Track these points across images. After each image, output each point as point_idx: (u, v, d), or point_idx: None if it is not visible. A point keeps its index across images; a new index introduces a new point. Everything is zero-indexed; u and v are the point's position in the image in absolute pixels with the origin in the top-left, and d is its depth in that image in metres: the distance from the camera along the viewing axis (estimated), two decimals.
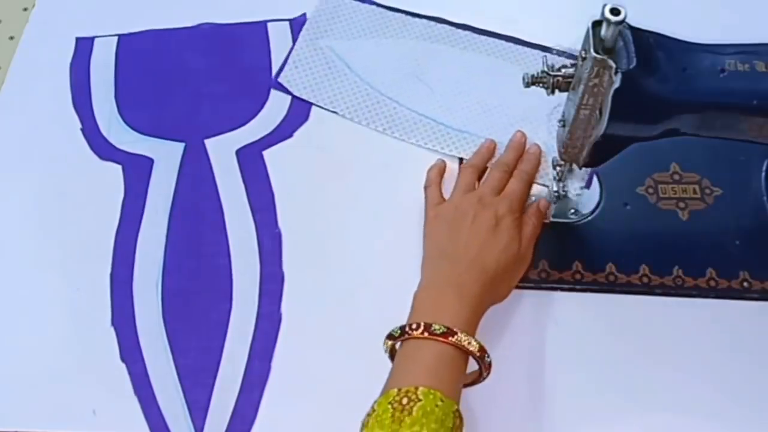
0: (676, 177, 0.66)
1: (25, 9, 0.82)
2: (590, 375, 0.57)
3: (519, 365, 0.57)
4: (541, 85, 0.55)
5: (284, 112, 0.73)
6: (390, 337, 0.53)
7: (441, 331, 0.50)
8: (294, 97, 0.73)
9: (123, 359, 0.59)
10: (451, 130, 0.69)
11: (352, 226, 0.65)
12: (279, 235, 0.65)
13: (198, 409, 0.57)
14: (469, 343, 0.50)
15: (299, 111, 0.72)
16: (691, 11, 0.76)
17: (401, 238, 0.63)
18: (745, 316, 0.59)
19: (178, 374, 0.59)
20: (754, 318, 0.59)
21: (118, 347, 0.60)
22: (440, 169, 0.66)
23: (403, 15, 0.77)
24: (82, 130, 0.72)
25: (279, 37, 0.78)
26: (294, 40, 0.76)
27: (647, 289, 0.60)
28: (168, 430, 0.56)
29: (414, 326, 0.51)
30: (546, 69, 0.54)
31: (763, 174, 0.66)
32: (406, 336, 0.51)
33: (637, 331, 0.58)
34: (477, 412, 0.55)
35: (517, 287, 0.61)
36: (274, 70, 0.75)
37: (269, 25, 0.79)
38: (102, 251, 0.64)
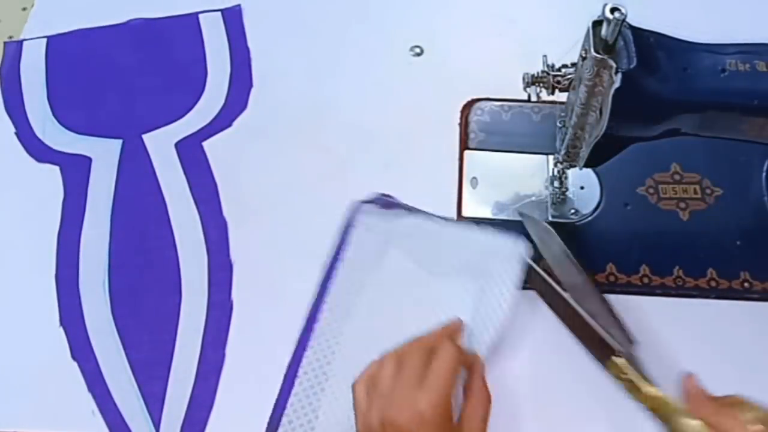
0: (677, 177, 0.65)
1: (24, 9, 0.82)
2: (590, 376, 0.57)
3: (519, 365, 0.57)
4: (541, 85, 0.54)
5: (222, 102, 0.73)
6: None
7: None
8: (237, 88, 0.73)
9: (74, 358, 0.59)
10: None
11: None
12: (224, 224, 0.65)
13: (155, 402, 0.57)
14: None
15: (237, 100, 0.73)
16: (691, 11, 0.76)
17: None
18: (746, 317, 0.59)
19: (132, 369, 0.59)
20: (755, 318, 0.59)
21: (68, 346, 0.60)
22: None
23: None
24: (17, 133, 0.72)
25: (211, 28, 0.78)
26: (227, 31, 0.77)
27: (647, 290, 0.60)
28: (125, 424, 0.56)
29: None
30: (546, 69, 0.54)
31: (764, 174, 0.66)
32: None
33: (637, 331, 0.58)
34: None
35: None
36: (209, 61, 0.75)
37: (201, 16, 0.79)
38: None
